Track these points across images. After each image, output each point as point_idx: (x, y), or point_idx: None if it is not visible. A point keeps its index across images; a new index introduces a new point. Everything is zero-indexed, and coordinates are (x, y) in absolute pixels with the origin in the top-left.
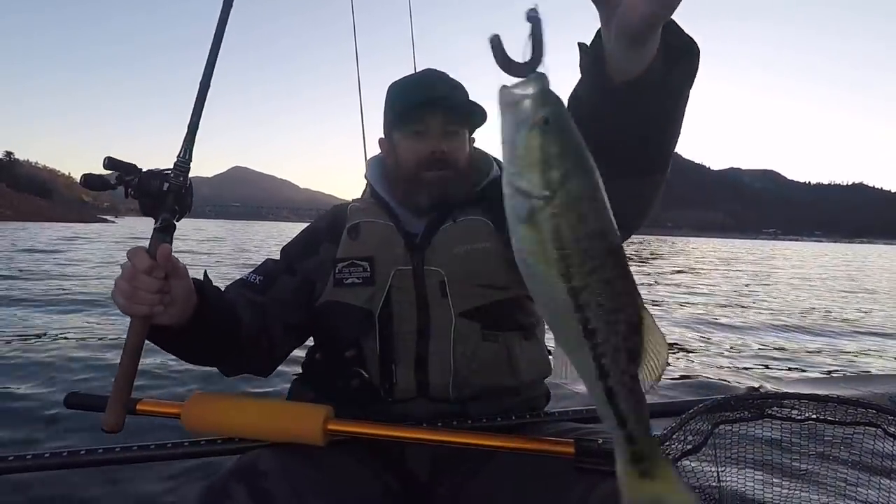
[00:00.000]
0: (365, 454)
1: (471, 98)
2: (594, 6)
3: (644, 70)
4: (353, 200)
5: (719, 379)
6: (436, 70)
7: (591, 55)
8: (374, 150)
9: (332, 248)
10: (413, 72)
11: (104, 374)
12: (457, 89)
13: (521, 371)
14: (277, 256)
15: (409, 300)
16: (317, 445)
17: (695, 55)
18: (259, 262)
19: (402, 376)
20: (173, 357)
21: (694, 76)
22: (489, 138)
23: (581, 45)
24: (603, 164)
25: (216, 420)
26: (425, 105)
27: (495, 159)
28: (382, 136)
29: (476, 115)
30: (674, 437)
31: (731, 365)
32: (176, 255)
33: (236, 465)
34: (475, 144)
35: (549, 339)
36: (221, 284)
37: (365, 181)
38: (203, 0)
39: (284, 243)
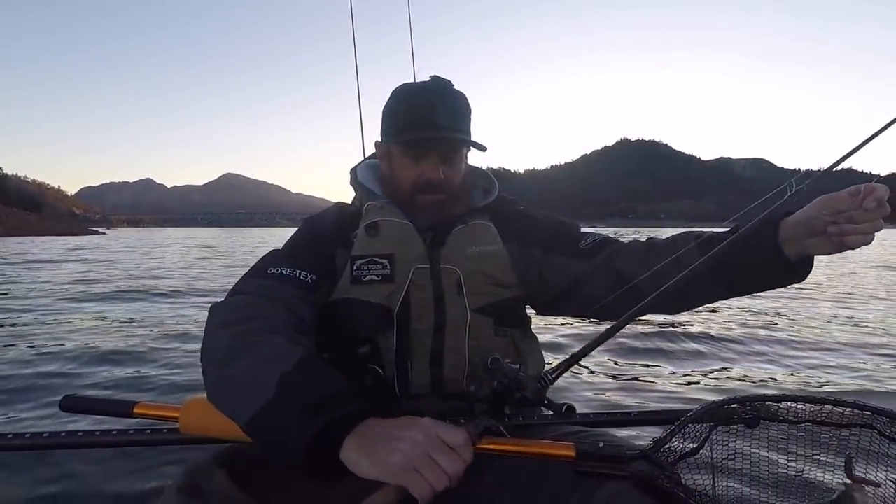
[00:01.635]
0: None
1: (469, 108)
2: (810, 229)
3: (795, 260)
4: (366, 203)
5: (717, 384)
6: (443, 82)
7: (771, 239)
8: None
9: (346, 253)
10: (415, 76)
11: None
12: (458, 112)
13: (527, 364)
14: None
15: (427, 297)
16: None
17: (809, 271)
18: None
19: (418, 372)
20: (170, 361)
21: (811, 267)
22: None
23: (765, 227)
24: (723, 287)
25: (214, 424)
26: (427, 138)
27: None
28: (379, 140)
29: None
30: (673, 440)
31: (730, 368)
32: (179, 267)
33: (221, 450)
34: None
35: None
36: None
37: (352, 186)
38: (191, 3)
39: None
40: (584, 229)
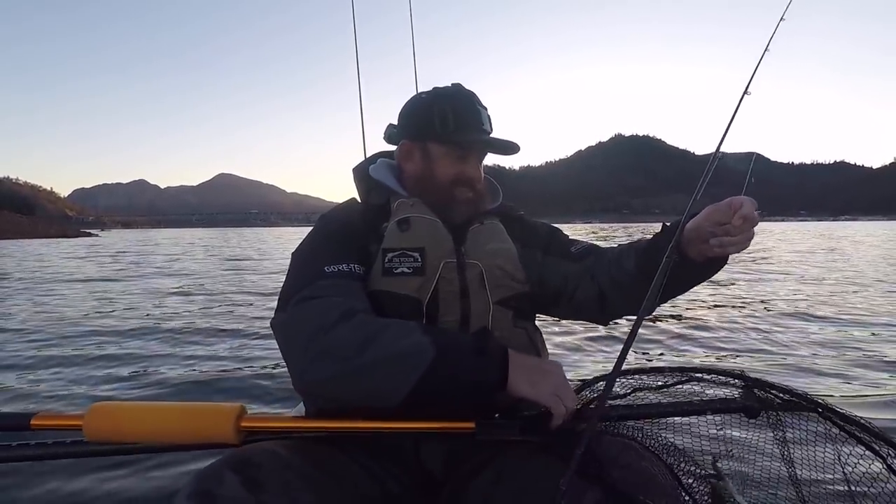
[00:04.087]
0: (371, 454)
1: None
2: (701, 236)
3: (703, 261)
4: (397, 200)
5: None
6: (472, 92)
7: (675, 242)
8: (373, 151)
9: (376, 246)
10: (416, 77)
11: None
12: (490, 118)
13: (539, 356)
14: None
15: (454, 290)
16: (295, 442)
17: (723, 265)
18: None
19: None
20: (67, 371)
21: (724, 264)
22: None
23: (665, 228)
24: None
25: (121, 428)
26: (481, 143)
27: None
28: (405, 139)
29: (502, 153)
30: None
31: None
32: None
33: (231, 455)
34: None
35: None
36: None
37: (359, 183)
38: (179, 9)
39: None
40: (575, 226)
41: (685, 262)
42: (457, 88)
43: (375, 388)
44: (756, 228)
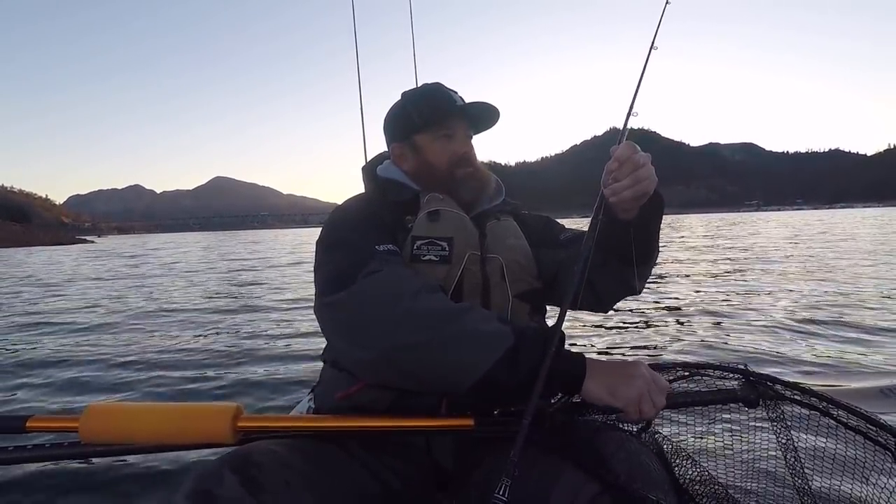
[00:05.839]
0: (375, 451)
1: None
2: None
3: (634, 216)
4: (427, 195)
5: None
6: (437, 82)
7: (598, 204)
8: (373, 152)
9: (403, 236)
10: (416, 75)
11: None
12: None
13: None
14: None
15: (477, 282)
16: (295, 441)
17: (660, 203)
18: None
19: None
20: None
21: (660, 212)
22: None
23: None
24: (615, 259)
25: (117, 429)
26: (456, 112)
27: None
28: (394, 143)
29: (487, 124)
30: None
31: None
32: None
33: (231, 455)
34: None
35: None
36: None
37: (368, 183)
38: (170, 12)
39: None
40: (574, 220)
41: (619, 223)
42: (423, 85)
43: (455, 364)
44: (754, 218)
